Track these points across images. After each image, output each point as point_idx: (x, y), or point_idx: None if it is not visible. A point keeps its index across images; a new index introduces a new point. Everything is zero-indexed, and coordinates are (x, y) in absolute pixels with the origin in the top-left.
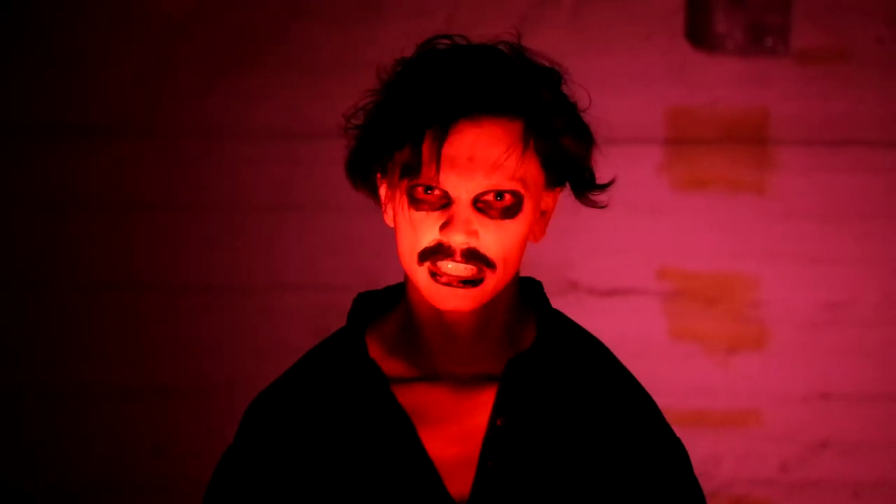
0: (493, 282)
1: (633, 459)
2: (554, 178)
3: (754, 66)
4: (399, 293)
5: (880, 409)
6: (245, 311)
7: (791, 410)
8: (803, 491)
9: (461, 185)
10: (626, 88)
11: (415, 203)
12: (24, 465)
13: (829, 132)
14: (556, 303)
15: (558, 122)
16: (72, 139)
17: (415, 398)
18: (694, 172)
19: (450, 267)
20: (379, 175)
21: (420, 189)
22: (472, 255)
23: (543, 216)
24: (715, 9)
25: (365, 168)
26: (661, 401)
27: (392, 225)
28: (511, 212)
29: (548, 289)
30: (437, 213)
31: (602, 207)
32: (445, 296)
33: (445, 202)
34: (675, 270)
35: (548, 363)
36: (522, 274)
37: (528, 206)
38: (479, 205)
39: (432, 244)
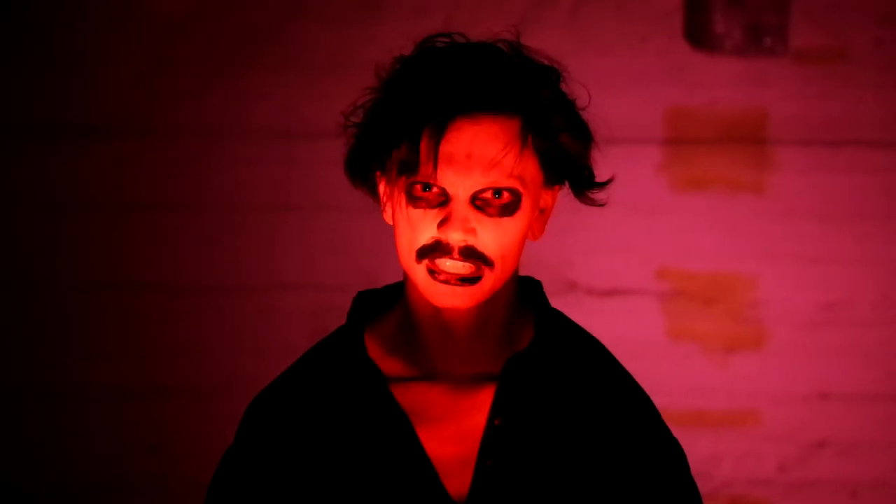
0: (491, 280)
1: (630, 459)
2: (552, 177)
3: (753, 66)
4: (398, 292)
5: (879, 409)
6: (244, 310)
7: (790, 410)
8: (801, 491)
9: (459, 183)
10: (625, 88)
11: (413, 200)
12: (24, 465)
13: (827, 132)
14: (555, 302)
15: (557, 120)
16: (72, 139)
17: (413, 397)
18: (693, 172)
19: (448, 265)
20: (378, 173)
21: (418, 186)
22: (469, 253)
23: (542, 214)
24: (713, 9)
25: (364, 166)
26: (659, 401)
27: (391, 223)
28: (509, 209)
29: (547, 288)
30: (435, 211)
31: (601, 206)
32: (443, 293)
33: (443, 200)
34: (673, 270)
35: (546, 363)
36: (521, 273)
37: (526, 203)
38: (478, 202)
39: (430, 242)
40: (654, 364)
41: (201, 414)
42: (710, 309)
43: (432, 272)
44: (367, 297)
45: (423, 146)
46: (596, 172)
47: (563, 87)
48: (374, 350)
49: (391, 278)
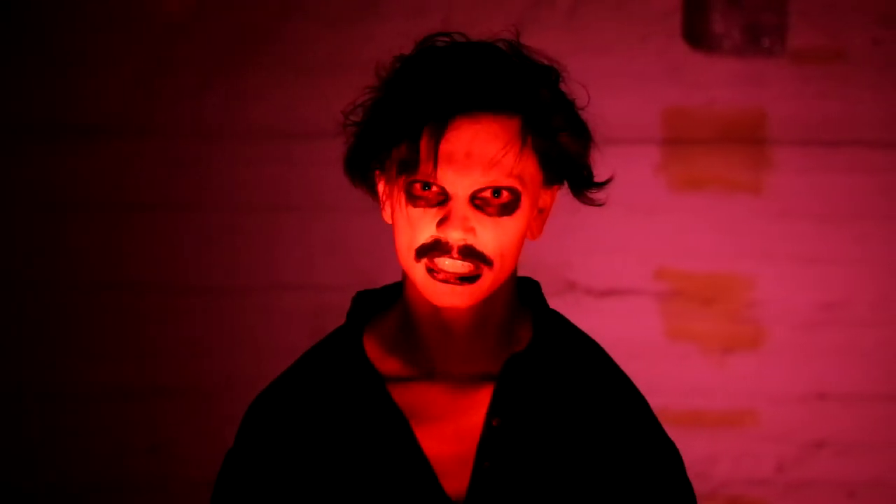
0: (489, 279)
1: (626, 460)
2: (552, 176)
3: (751, 66)
4: (397, 292)
5: (877, 409)
6: (243, 311)
7: (787, 410)
8: (799, 491)
9: (458, 182)
10: (623, 89)
11: (412, 199)
12: (24, 465)
13: (825, 132)
14: (554, 303)
15: (556, 120)
16: (72, 139)
17: (411, 397)
18: (691, 172)
19: (447, 263)
20: (377, 172)
21: (417, 185)
22: (468, 252)
23: (541, 214)
24: (712, 9)
25: (363, 165)
26: (657, 401)
27: (390, 222)
28: (508, 209)
29: (545, 288)
30: (434, 210)
31: (600, 205)
32: (442, 292)
33: (443, 199)
34: (671, 270)
35: (544, 363)
36: (520, 273)
37: (525, 203)
38: (477, 201)
39: (429, 241)
40: (652, 364)
41: (201, 414)
42: (708, 309)
43: (431, 271)
44: (366, 297)
45: (423, 145)
46: (594, 172)
47: (563, 86)
48: (374, 350)
49: (390, 278)
